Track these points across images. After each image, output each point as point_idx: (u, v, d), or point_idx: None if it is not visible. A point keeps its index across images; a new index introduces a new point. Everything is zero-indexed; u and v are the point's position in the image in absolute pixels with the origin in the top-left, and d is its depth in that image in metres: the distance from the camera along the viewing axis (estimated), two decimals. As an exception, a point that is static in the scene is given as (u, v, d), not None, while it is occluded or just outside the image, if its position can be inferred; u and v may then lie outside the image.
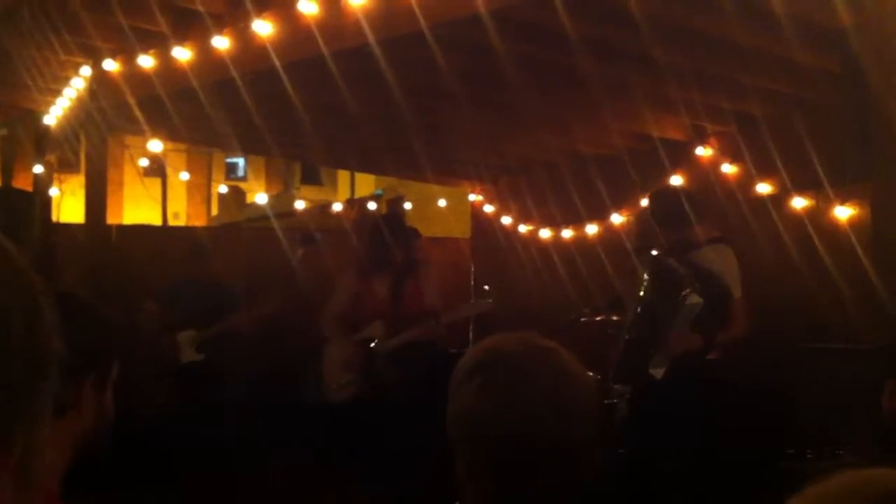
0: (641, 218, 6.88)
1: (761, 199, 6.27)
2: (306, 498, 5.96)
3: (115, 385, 1.78)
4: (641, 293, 4.92)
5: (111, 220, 9.57)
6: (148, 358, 6.55)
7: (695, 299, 4.62)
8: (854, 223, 5.64)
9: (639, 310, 4.97)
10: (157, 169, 17.88)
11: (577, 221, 8.10)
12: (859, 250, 5.12)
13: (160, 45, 6.00)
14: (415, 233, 6.15)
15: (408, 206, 14.27)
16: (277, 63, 5.26)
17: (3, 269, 0.79)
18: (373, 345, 5.65)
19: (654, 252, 4.96)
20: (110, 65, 6.40)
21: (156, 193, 18.49)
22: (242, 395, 6.79)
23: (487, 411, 1.60)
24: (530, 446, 1.57)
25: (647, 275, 4.92)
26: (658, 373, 4.70)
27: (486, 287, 6.04)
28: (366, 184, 18.79)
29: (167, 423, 6.09)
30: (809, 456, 4.51)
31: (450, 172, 9.42)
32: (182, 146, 17.61)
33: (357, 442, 5.53)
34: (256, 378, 6.93)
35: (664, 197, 5.29)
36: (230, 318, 6.50)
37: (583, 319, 6.05)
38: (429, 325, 5.62)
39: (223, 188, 20.87)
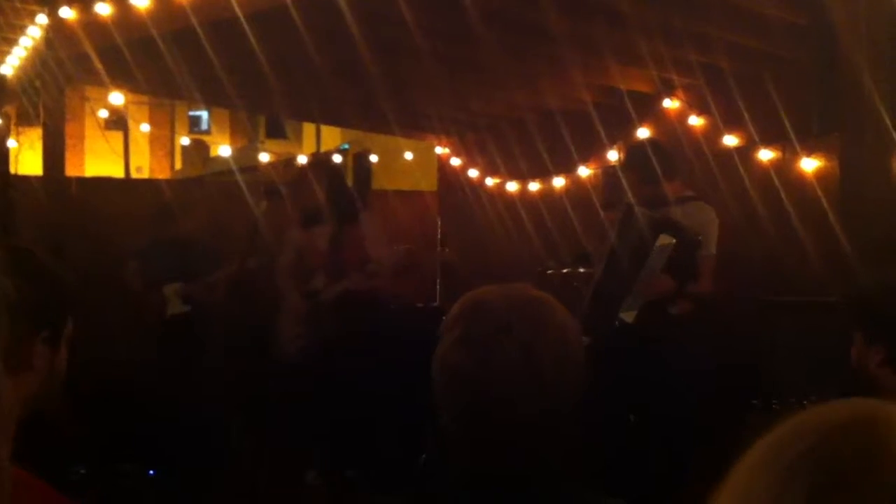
0: (610, 172, 6.87)
1: (728, 152, 6.26)
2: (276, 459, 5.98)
3: (92, 341, 1.73)
4: (612, 243, 4.89)
5: (72, 173, 9.42)
6: (134, 314, 6.56)
7: (666, 240, 4.61)
8: (820, 175, 5.65)
9: (606, 261, 4.94)
10: (119, 122, 17.64)
11: (544, 175, 8.07)
12: (825, 203, 5.13)
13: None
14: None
15: (374, 158, 14.19)
16: (239, 12, 5.15)
17: None
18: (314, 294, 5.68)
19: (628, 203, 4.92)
20: (67, 13, 6.24)
21: (118, 147, 18.25)
22: (222, 350, 6.80)
23: (463, 362, 1.61)
24: (502, 399, 1.58)
25: (618, 224, 4.89)
26: (629, 316, 4.69)
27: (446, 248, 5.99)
28: (332, 137, 18.62)
29: (152, 377, 6.08)
30: (775, 406, 4.54)
31: (416, 126, 9.34)
32: (144, 99, 17.35)
33: (307, 397, 5.57)
34: (230, 333, 6.94)
35: (643, 149, 5.23)
36: (216, 272, 6.51)
37: (549, 272, 6.03)
38: (362, 275, 5.58)
39: (186, 140, 20.65)
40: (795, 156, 5.83)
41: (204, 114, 27.35)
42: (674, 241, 4.61)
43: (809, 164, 5.75)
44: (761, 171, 6.03)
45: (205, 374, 6.47)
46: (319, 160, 7.51)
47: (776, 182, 5.80)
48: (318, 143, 19.37)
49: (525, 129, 8.03)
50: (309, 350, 5.63)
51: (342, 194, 5.77)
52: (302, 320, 5.70)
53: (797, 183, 5.77)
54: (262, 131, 25.92)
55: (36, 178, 7.81)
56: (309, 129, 21.25)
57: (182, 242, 6.63)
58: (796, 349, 5.12)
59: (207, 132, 27.08)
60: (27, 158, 12.33)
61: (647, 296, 4.70)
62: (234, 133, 26.40)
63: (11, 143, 8.68)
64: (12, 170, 9.05)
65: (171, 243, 6.62)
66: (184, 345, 6.41)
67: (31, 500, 1.51)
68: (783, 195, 5.66)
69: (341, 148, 16.45)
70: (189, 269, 6.53)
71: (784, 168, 5.95)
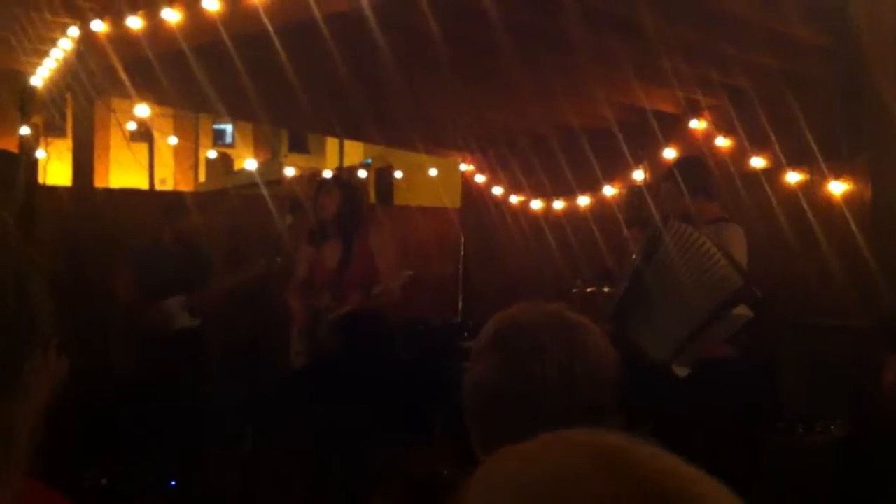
0: (635, 191, 6.84)
1: (755, 174, 6.24)
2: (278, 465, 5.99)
3: (95, 352, 1.73)
4: (637, 263, 4.81)
5: (97, 184, 9.45)
6: (127, 324, 6.49)
7: (744, 311, 4.46)
8: (848, 198, 5.61)
9: (630, 280, 4.89)
10: (144, 134, 17.74)
11: (568, 193, 8.06)
12: (853, 225, 5.09)
13: (149, 6, 5.90)
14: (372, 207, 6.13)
15: (398, 174, 14.22)
16: (269, 26, 5.18)
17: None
18: (318, 312, 5.66)
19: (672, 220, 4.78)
20: (98, 25, 6.30)
21: (142, 159, 18.33)
22: (232, 359, 6.76)
23: (500, 382, 1.60)
24: (545, 420, 1.55)
25: (644, 244, 4.82)
26: (681, 371, 4.58)
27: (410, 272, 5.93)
28: (355, 152, 18.67)
29: (154, 388, 6.06)
30: (800, 431, 4.50)
31: (440, 142, 9.35)
32: (169, 111, 17.47)
33: (306, 410, 5.58)
34: (244, 343, 6.91)
35: (692, 163, 5.15)
36: (217, 281, 6.42)
37: (574, 290, 6.02)
38: (360, 299, 5.57)
39: (212, 153, 20.76)
40: (823, 178, 5.81)
41: (228, 127, 27.52)
42: (750, 315, 4.49)
43: (837, 187, 5.72)
44: (788, 193, 6.00)
45: (215, 385, 6.46)
46: (333, 176, 7.51)
47: (803, 204, 5.77)
48: (340, 158, 19.43)
49: (549, 147, 8.03)
50: (310, 368, 5.62)
51: (350, 211, 5.75)
52: (305, 338, 5.68)
53: (824, 205, 5.74)
54: (285, 145, 26.02)
55: (63, 188, 7.87)
56: (332, 143, 21.31)
57: (176, 251, 6.47)
58: (821, 372, 5.08)
59: (231, 145, 27.23)
60: (54, 168, 12.43)
61: (706, 357, 4.61)
62: (258, 146, 26.54)
63: (40, 153, 8.74)
64: (40, 180, 9.11)
65: (167, 250, 6.49)
66: (195, 357, 6.35)
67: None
68: (810, 217, 5.63)
69: (364, 163, 16.50)
70: (189, 278, 6.39)
71: (811, 190, 5.92)
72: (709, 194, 4.92)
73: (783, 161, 6.03)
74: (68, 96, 7.38)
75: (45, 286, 0.78)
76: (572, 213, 8.07)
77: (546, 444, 0.79)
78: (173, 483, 5.91)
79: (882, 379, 2.36)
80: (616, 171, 7.50)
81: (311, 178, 12.10)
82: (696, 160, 5.33)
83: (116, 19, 6.17)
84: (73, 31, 6.61)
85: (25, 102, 8.11)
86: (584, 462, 0.73)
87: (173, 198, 7.76)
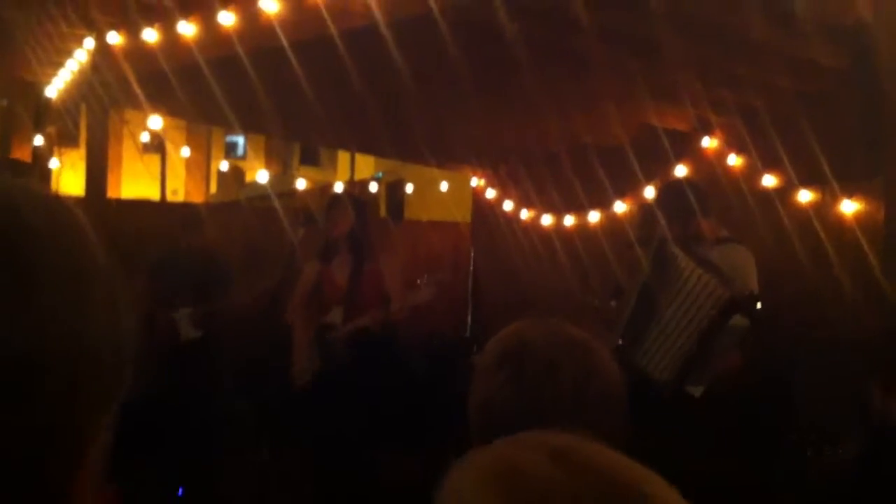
0: (646, 209, 6.85)
1: (767, 193, 6.23)
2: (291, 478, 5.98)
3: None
4: (645, 277, 4.81)
5: (110, 195, 9.50)
6: (139, 334, 6.46)
7: (741, 321, 4.50)
8: (860, 218, 5.60)
9: (638, 294, 4.89)
10: (157, 145, 17.83)
11: (579, 209, 8.06)
12: (865, 245, 5.09)
13: (164, 19, 5.94)
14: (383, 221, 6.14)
15: (409, 188, 14.25)
16: (283, 41, 5.20)
17: (103, 263, 0.77)
18: (328, 331, 5.64)
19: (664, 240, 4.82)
20: (114, 38, 6.34)
21: (154, 170, 18.41)
22: (239, 372, 6.75)
23: (513, 403, 1.59)
24: None
25: (651, 259, 4.83)
26: (696, 391, 4.60)
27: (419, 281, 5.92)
28: (366, 165, 18.71)
29: (161, 399, 6.06)
30: (809, 454, 4.49)
31: (451, 157, 9.37)
32: (182, 123, 17.54)
33: (315, 423, 5.58)
34: (253, 356, 6.90)
35: (674, 188, 5.20)
36: (228, 294, 6.41)
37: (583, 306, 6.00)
38: (379, 313, 5.57)
39: (224, 165, 20.82)
40: (835, 198, 5.80)
41: (240, 139, 27.61)
42: (747, 323, 4.51)
43: (849, 207, 5.71)
44: (800, 212, 5.99)
45: (225, 396, 6.46)
46: (347, 192, 7.51)
47: (815, 223, 5.76)
48: (352, 171, 19.48)
49: (561, 163, 8.04)
50: (319, 384, 5.60)
51: (361, 228, 5.75)
52: (313, 354, 5.66)
53: (836, 225, 5.73)
54: (296, 158, 26.09)
55: (76, 198, 7.89)
56: (343, 156, 21.37)
57: (193, 260, 6.49)
58: (833, 391, 5.06)
59: (243, 157, 27.31)
60: (67, 178, 12.50)
61: (718, 373, 4.60)
62: (270, 159, 26.59)
63: (54, 162, 8.78)
64: (53, 189, 9.15)
65: (184, 261, 6.50)
66: (203, 368, 6.35)
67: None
68: (823, 236, 5.62)
69: (375, 177, 16.53)
70: (204, 290, 6.39)
71: (823, 209, 5.91)
72: (702, 213, 4.93)
73: (795, 180, 6.02)
74: (83, 107, 7.41)
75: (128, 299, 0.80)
76: (583, 229, 8.07)
77: (508, 442, 0.86)
78: (180, 493, 5.91)
79: (872, 404, 2.35)
80: (627, 188, 7.50)
81: (322, 192, 12.12)
82: (682, 184, 5.35)
83: (132, 32, 6.21)
84: (89, 42, 6.65)
85: (40, 113, 8.16)
86: (542, 458, 0.79)
87: (187, 210, 7.77)
